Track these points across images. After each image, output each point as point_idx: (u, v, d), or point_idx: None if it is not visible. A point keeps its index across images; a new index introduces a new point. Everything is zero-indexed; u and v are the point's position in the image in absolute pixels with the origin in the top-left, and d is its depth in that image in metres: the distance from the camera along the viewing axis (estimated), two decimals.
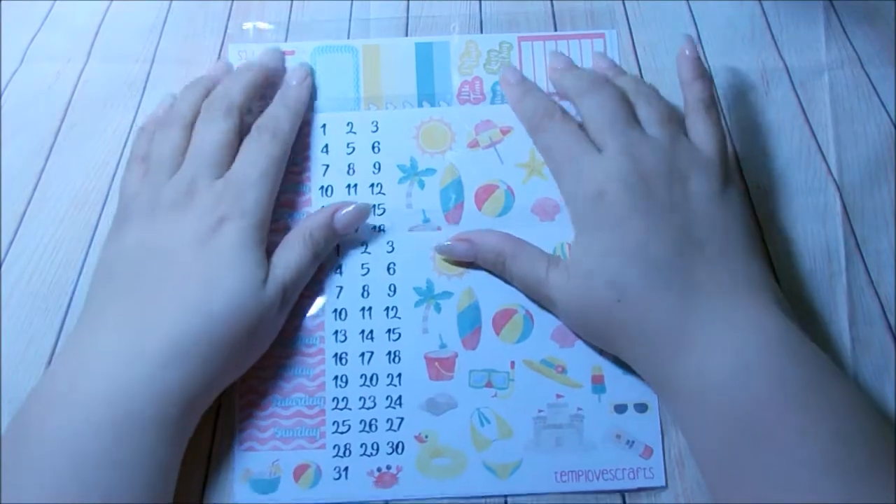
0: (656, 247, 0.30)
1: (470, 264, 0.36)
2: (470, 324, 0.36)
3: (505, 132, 0.39)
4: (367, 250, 0.37)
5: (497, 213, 0.37)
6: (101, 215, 0.38)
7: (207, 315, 0.29)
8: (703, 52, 0.45)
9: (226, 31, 0.45)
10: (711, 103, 0.36)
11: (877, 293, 0.37)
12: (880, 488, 0.25)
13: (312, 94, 0.40)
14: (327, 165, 0.39)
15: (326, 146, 0.39)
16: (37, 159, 0.40)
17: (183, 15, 0.46)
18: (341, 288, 0.36)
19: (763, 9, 0.47)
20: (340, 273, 0.37)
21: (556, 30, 0.44)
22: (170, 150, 0.34)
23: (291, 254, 0.33)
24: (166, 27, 0.45)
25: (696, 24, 0.46)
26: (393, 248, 0.37)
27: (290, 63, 0.41)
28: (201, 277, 0.30)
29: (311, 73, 0.40)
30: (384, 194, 0.38)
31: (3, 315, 0.35)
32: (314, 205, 0.38)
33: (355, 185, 0.38)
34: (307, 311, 0.36)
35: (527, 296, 0.35)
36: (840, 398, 0.28)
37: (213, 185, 0.33)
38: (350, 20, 0.44)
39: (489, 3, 0.45)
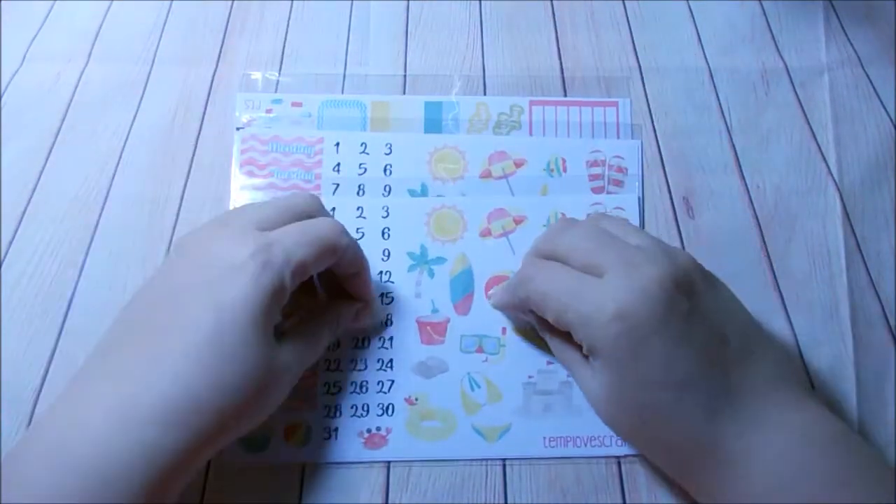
0: (681, 363, 0.28)
1: (463, 232, 0.37)
2: (462, 289, 0.36)
3: (518, 221, 0.38)
4: (363, 215, 0.38)
5: None
6: (100, 215, 0.38)
7: (208, 379, 0.26)
8: (704, 52, 0.45)
9: (226, 32, 0.45)
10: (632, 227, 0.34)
11: (877, 293, 0.37)
12: None
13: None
14: (337, 185, 0.39)
15: (338, 165, 0.39)
16: (37, 159, 0.40)
17: (183, 15, 0.46)
18: None
19: (763, 9, 0.47)
20: None
21: (565, 93, 0.43)
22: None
23: (316, 342, 0.31)
24: (166, 27, 0.45)
25: (696, 24, 0.47)
26: (388, 214, 0.38)
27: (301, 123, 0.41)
28: (207, 334, 0.26)
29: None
30: (389, 216, 0.38)
31: (3, 315, 0.35)
32: None
33: (360, 208, 0.38)
34: None
35: None
36: (888, 485, 0.27)
37: (248, 234, 0.29)
38: (344, 76, 0.43)
39: (493, 64, 0.44)
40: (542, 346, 0.35)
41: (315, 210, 0.32)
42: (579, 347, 0.30)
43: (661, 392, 0.28)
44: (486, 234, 0.38)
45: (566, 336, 0.31)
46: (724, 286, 0.32)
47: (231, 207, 0.38)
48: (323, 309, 0.33)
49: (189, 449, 0.25)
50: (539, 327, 0.34)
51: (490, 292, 0.36)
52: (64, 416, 0.26)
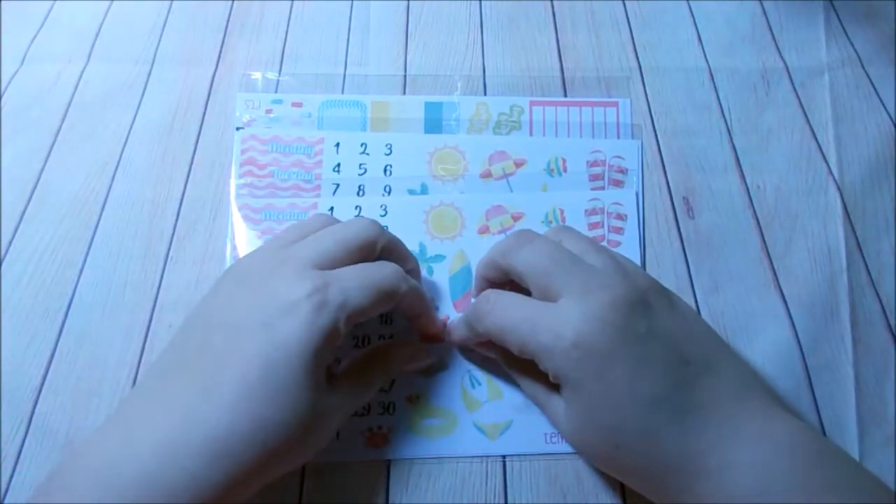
0: (645, 382, 0.28)
1: (462, 229, 0.38)
2: (462, 287, 0.36)
3: (517, 218, 0.38)
4: (361, 214, 0.38)
5: None
6: (100, 216, 0.38)
7: (257, 417, 0.26)
8: (704, 52, 0.45)
9: (226, 32, 0.45)
10: (596, 246, 0.33)
11: (877, 293, 0.37)
12: None
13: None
14: (337, 185, 0.39)
15: (339, 165, 0.39)
16: (37, 159, 0.40)
17: (183, 15, 0.46)
18: None
19: (763, 9, 0.47)
20: None
21: (565, 93, 0.43)
22: (297, 235, 0.32)
23: (365, 388, 0.31)
24: (166, 27, 0.45)
25: (696, 24, 0.47)
26: (386, 212, 0.38)
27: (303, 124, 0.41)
28: (259, 372, 0.26)
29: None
30: (387, 215, 0.38)
31: (3, 315, 0.35)
32: None
33: (359, 207, 0.38)
34: None
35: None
36: (864, 490, 0.27)
37: (307, 271, 0.29)
38: (344, 76, 0.43)
39: (493, 64, 0.44)
40: None
41: (375, 238, 0.31)
42: (545, 379, 0.30)
43: (628, 413, 0.28)
44: (484, 231, 0.38)
45: (532, 370, 0.31)
46: (685, 304, 0.32)
47: (235, 203, 0.38)
48: (376, 352, 0.33)
49: (232, 483, 0.26)
50: (504, 363, 0.33)
51: (448, 325, 0.35)
52: (114, 436, 0.27)
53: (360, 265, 0.30)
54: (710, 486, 0.27)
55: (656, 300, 0.30)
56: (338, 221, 0.33)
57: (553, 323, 0.29)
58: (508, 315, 0.30)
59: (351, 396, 0.30)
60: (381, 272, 0.30)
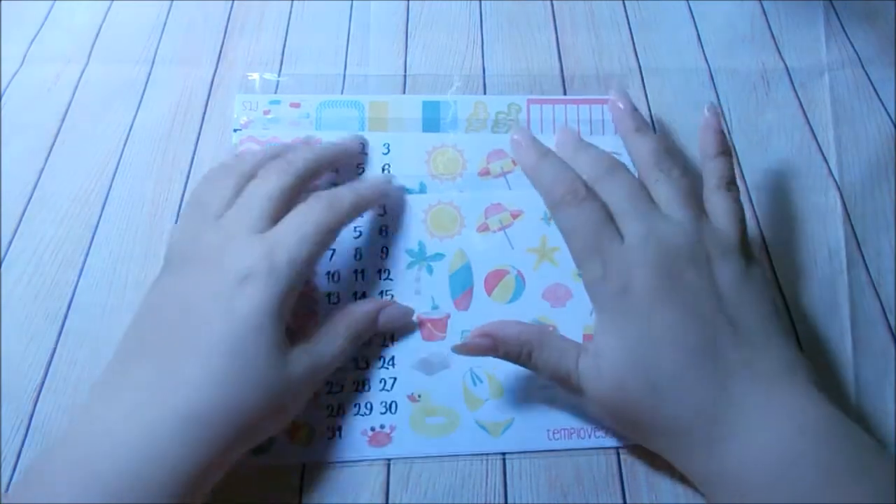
0: (687, 335, 0.29)
1: (461, 228, 0.38)
2: (462, 285, 0.36)
3: (516, 216, 0.38)
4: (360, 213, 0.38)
5: (507, 299, 0.36)
6: (101, 215, 0.38)
7: (227, 388, 0.27)
8: (703, 52, 0.45)
9: (226, 32, 0.45)
10: (733, 180, 0.35)
11: (877, 294, 0.37)
12: None
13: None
14: (335, 185, 0.39)
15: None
16: (37, 159, 0.40)
17: (183, 15, 0.46)
18: (334, 251, 0.36)
19: (763, 9, 0.48)
20: None
21: (565, 92, 0.43)
22: (219, 199, 0.32)
23: (330, 345, 0.32)
24: (166, 27, 0.45)
25: (696, 24, 0.47)
26: (385, 212, 0.38)
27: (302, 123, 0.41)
28: (224, 344, 0.28)
29: (390, 189, 0.38)
30: (386, 214, 0.38)
31: (3, 315, 0.35)
32: None
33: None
34: None
35: (555, 384, 0.33)
36: (886, 483, 0.27)
37: (250, 239, 0.30)
38: (344, 76, 0.43)
39: (493, 63, 0.44)
40: None
41: (294, 183, 0.33)
42: (575, 351, 0.31)
43: (669, 356, 0.29)
44: (483, 229, 0.38)
45: (560, 346, 0.32)
46: (759, 274, 0.32)
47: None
48: (337, 314, 0.33)
49: (210, 460, 0.26)
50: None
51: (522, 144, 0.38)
52: (88, 430, 0.27)
53: (292, 213, 0.32)
54: (730, 451, 0.28)
55: (724, 259, 0.31)
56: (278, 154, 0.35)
57: (613, 261, 0.31)
58: (583, 217, 0.32)
59: (315, 357, 0.31)
60: (313, 212, 0.32)
